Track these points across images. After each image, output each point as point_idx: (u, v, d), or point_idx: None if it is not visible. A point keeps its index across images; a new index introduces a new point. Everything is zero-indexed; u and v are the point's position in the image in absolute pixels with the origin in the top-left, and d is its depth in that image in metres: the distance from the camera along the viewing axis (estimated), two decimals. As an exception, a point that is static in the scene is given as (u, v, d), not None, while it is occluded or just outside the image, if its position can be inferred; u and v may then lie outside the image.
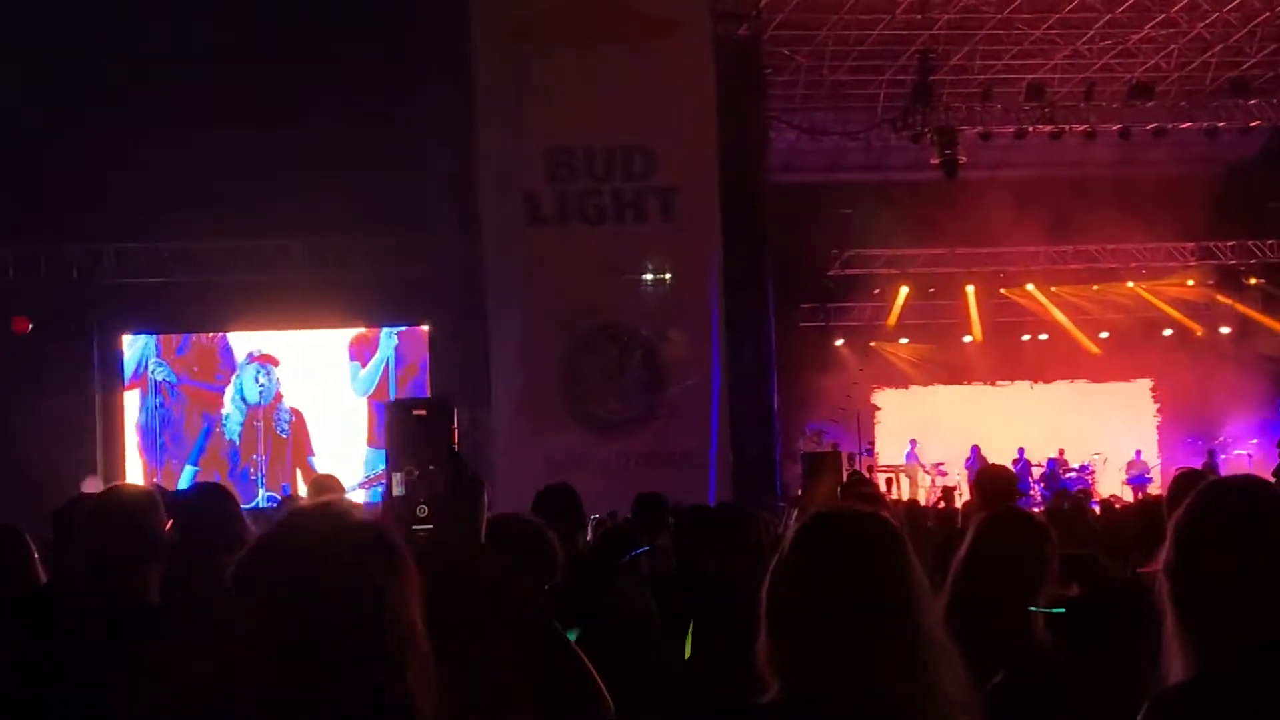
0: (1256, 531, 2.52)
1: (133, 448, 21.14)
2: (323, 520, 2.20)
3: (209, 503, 4.70)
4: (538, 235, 19.22)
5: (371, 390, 21.41)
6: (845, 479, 17.81)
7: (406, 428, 2.78)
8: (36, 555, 5.27)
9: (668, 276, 19.71)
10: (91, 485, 19.99)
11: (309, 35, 19.26)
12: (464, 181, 19.36)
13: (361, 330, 21.79)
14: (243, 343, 21.57)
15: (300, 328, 21.54)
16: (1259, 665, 2.43)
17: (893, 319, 27.34)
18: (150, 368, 21.31)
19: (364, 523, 2.23)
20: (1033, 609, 3.59)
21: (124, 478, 19.33)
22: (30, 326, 20.37)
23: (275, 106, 19.41)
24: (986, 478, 7.38)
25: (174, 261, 21.17)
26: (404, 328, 21.81)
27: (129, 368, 21.34)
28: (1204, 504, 2.60)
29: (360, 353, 21.73)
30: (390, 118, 19.60)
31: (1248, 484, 2.71)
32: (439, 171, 19.88)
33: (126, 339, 21.36)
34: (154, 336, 21.47)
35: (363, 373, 21.57)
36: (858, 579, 2.58)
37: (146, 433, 21.27)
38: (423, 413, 2.77)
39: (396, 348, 21.74)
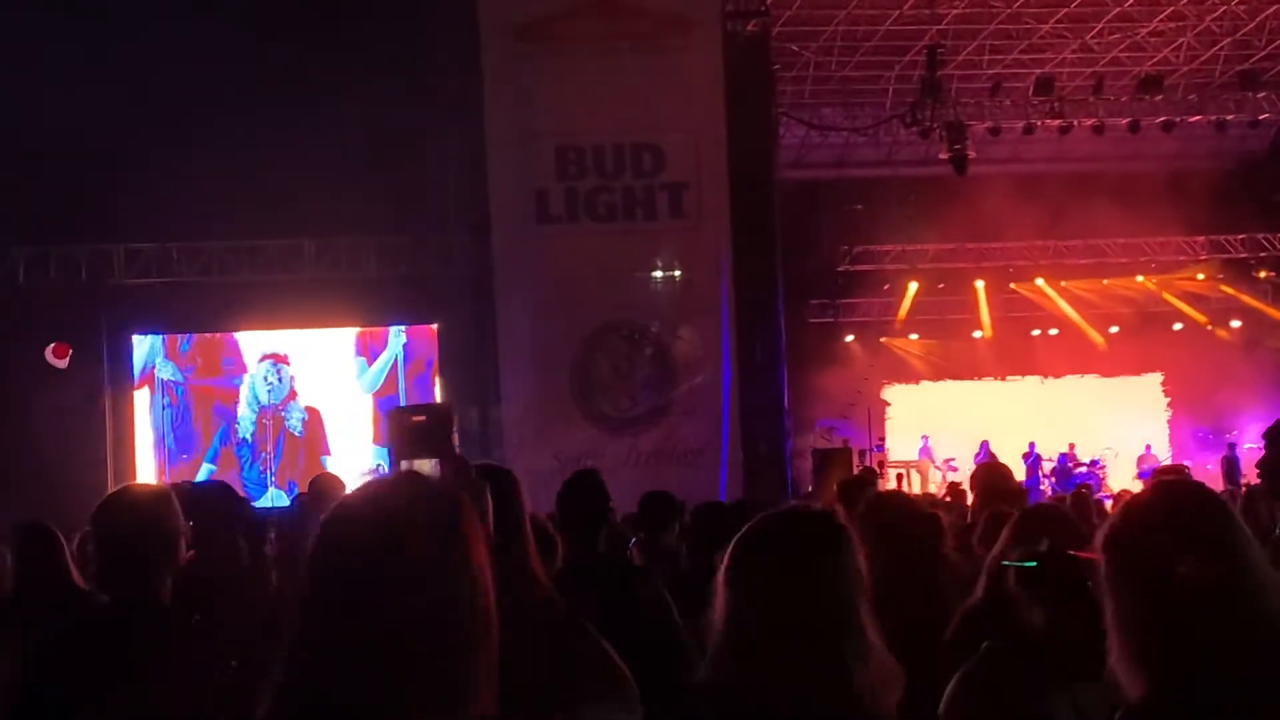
0: (1183, 537, 2.48)
1: (144, 447, 21.12)
2: (403, 483, 2.20)
3: (217, 500, 4.70)
4: (548, 233, 19.19)
5: (378, 387, 21.39)
6: (855, 475, 17.82)
7: (406, 431, 2.89)
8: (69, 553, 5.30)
9: (678, 273, 19.69)
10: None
11: (318, 33, 19.25)
12: (474, 180, 19.35)
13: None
14: (252, 342, 21.54)
15: (310, 327, 21.52)
16: (1213, 677, 2.39)
17: (903, 313, 27.29)
18: (156, 366, 21.29)
19: (441, 486, 2.24)
20: (1005, 564, 3.70)
21: (134, 477, 19.34)
22: (70, 353, 20.39)
23: (284, 106, 19.35)
24: (984, 476, 7.44)
25: (183, 261, 21.15)
26: (413, 326, 21.78)
27: (138, 367, 21.32)
28: (1138, 511, 2.58)
29: (367, 348, 21.70)
30: (400, 116, 19.57)
31: (1178, 489, 2.69)
32: (449, 170, 19.90)
33: (136, 339, 21.35)
34: (160, 336, 21.44)
35: (370, 369, 21.54)
36: (786, 578, 2.76)
37: (156, 432, 21.26)
38: (422, 418, 2.88)
39: (405, 345, 21.70)
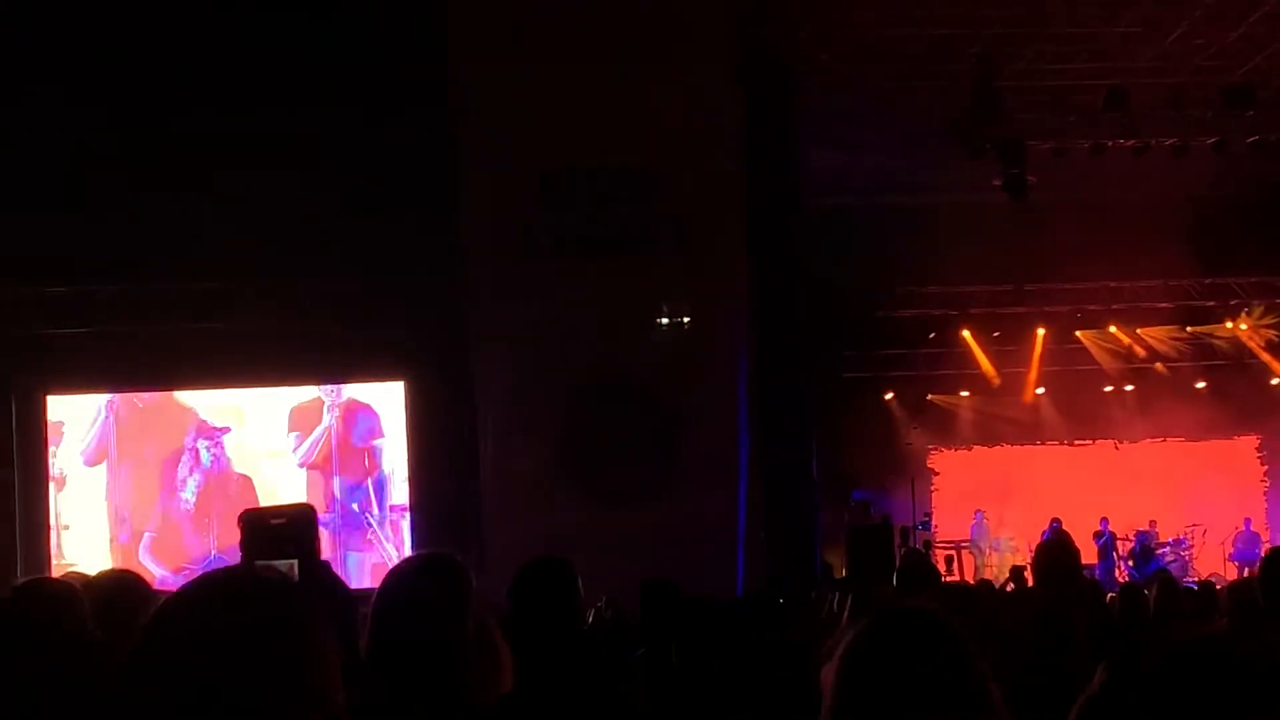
0: None
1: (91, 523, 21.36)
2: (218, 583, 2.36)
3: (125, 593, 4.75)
4: (531, 271, 19.21)
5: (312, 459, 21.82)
6: (899, 559, 17.82)
7: (264, 532, 3.22)
8: None
9: (684, 320, 19.69)
10: None
11: (266, 50, 19.26)
12: (446, 214, 19.38)
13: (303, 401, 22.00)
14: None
15: (255, 385, 21.60)
16: None
17: (987, 367, 27.10)
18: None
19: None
20: None
21: (50, 568, 19.33)
22: None
23: (226, 132, 19.37)
24: (1045, 557, 7.41)
25: (108, 309, 21.18)
26: (376, 385, 21.95)
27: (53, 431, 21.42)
28: None
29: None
30: (360, 143, 19.60)
31: None
32: (417, 203, 19.91)
33: (51, 400, 21.39)
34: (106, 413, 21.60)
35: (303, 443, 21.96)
36: (924, 685, 2.83)
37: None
38: (282, 521, 3.21)
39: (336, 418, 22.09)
